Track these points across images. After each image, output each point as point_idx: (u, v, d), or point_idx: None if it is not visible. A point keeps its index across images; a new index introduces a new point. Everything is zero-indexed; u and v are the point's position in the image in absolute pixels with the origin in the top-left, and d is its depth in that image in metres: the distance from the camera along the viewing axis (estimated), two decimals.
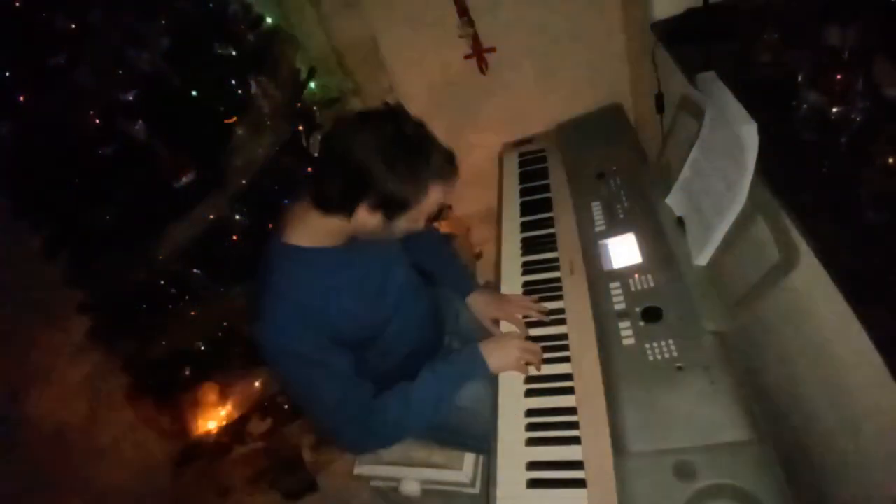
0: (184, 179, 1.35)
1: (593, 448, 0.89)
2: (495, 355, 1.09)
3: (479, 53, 1.87)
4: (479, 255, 2.27)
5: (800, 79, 0.88)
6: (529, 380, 1.09)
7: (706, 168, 1.01)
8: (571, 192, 1.38)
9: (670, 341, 0.93)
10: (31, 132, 1.24)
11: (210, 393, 1.63)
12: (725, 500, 0.74)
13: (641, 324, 0.99)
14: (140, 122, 1.27)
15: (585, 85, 1.86)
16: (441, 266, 1.33)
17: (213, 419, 1.64)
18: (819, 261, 0.74)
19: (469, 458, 1.22)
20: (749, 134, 0.85)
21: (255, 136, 1.44)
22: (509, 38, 1.86)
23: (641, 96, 1.80)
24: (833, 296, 0.71)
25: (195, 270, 1.47)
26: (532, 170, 1.58)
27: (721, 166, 0.95)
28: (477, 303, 1.29)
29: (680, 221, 1.10)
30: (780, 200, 0.83)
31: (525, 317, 1.21)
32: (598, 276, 1.12)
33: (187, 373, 1.59)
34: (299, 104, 1.68)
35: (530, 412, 1.03)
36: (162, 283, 1.46)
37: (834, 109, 0.83)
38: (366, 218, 0.88)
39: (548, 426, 1.00)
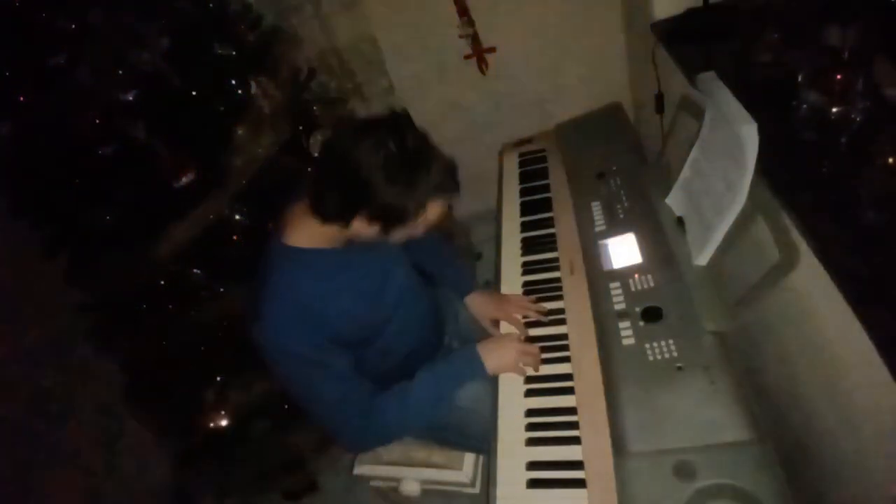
0: (184, 179, 1.35)
1: (593, 448, 0.89)
2: (493, 357, 1.08)
3: (479, 53, 1.87)
4: (479, 256, 2.27)
5: (800, 79, 0.88)
6: (529, 380, 1.09)
7: (706, 168, 1.01)
8: (571, 192, 1.38)
9: (670, 341, 0.93)
10: (31, 132, 1.24)
11: (210, 393, 1.63)
12: (725, 500, 0.74)
13: (641, 324, 0.99)
14: (140, 122, 1.27)
15: (585, 85, 1.86)
16: (440, 266, 1.33)
17: (213, 419, 1.64)
18: (819, 261, 0.74)
19: (469, 458, 1.22)
20: (749, 134, 0.85)
21: (255, 136, 1.44)
22: (509, 38, 1.86)
23: (641, 96, 1.80)
24: (833, 296, 0.71)
25: (195, 270, 1.47)
26: (532, 170, 1.58)
27: (721, 166, 0.95)
28: (476, 303, 1.29)
29: (680, 221, 1.10)
30: (780, 200, 0.83)
31: (524, 317, 1.21)
32: (598, 276, 1.12)
33: (187, 373, 1.59)
34: (299, 104, 1.68)
35: (530, 412, 1.03)
36: (162, 283, 1.46)
37: (834, 109, 0.83)
38: (363, 227, 0.87)
39: (548, 426, 1.00)
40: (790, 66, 0.92)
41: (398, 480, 1.26)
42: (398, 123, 0.86)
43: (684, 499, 0.76)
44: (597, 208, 1.27)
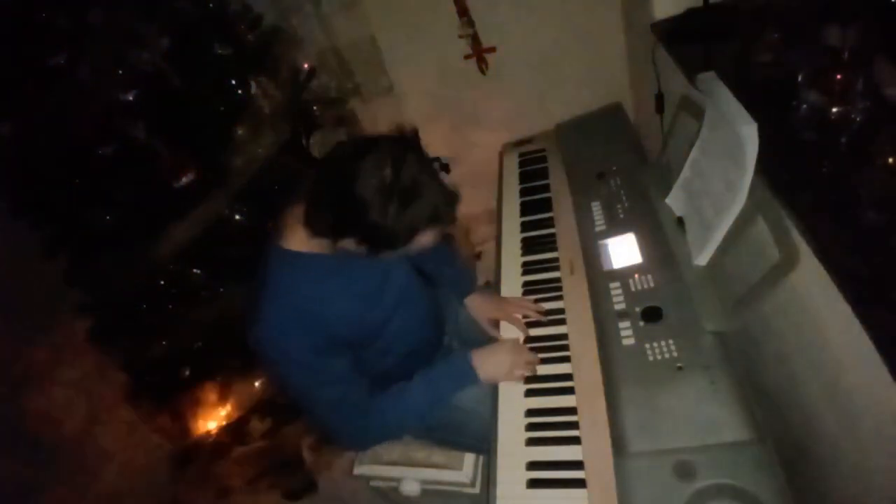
0: (184, 179, 1.35)
1: (593, 448, 0.89)
2: (486, 365, 1.08)
3: (478, 53, 1.87)
4: (479, 255, 2.27)
5: (800, 79, 0.88)
6: (529, 380, 1.09)
7: (706, 168, 1.01)
8: (571, 192, 1.38)
9: (670, 341, 0.93)
10: (31, 132, 1.24)
11: (210, 393, 1.63)
12: (725, 500, 0.74)
13: (641, 324, 0.99)
14: (140, 122, 1.27)
15: (585, 85, 1.86)
16: (440, 268, 1.33)
17: (213, 419, 1.64)
18: (819, 261, 0.74)
19: (469, 458, 1.22)
20: (749, 134, 0.85)
21: (255, 136, 1.44)
22: (509, 38, 1.86)
23: (641, 96, 1.80)
24: (833, 296, 0.71)
25: (195, 270, 1.47)
26: (532, 170, 1.58)
27: (721, 166, 0.95)
28: (476, 304, 1.29)
29: (680, 221, 1.10)
30: (780, 200, 0.83)
31: (524, 317, 1.21)
32: (598, 276, 1.12)
33: (187, 373, 1.59)
34: (299, 104, 1.68)
35: (530, 412, 1.03)
36: (162, 283, 1.46)
37: (834, 109, 0.83)
38: (351, 245, 0.86)
39: (548, 426, 1.00)
40: (790, 66, 0.92)
41: (398, 480, 1.26)
42: (401, 146, 0.83)
43: (684, 499, 0.76)
44: (597, 208, 1.27)
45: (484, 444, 1.05)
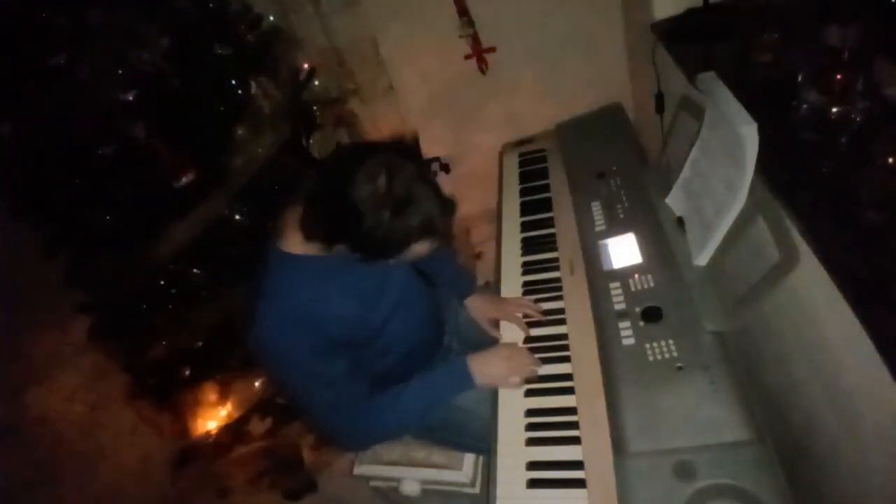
0: (184, 179, 1.35)
1: (593, 448, 0.89)
2: (483, 370, 1.07)
3: (478, 53, 1.87)
4: (479, 255, 2.27)
5: (800, 79, 0.88)
6: (529, 379, 1.09)
7: (706, 168, 1.01)
8: (571, 192, 1.38)
9: (670, 341, 0.93)
10: (31, 132, 1.24)
11: (210, 393, 1.63)
12: (725, 500, 0.74)
13: (641, 324, 0.99)
14: (140, 122, 1.27)
15: (585, 85, 1.86)
16: (440, 268, 1.33)
17: (213, 419, 1.64)
18: (819, 261, 0.74)
19: (469, 458, 1.22)
20: (749, 134, 0.85)
21: (255, 136, 1.44)
22: (509, 38, 1.86)
23: (641, 96, 1.80)
24: (833, 296, 0.71)
25: (195, 270, 1.47)
26: (532, 170, 1.58)
27: (721, 166, 0.95)
28: (475, 305, 1.30)
29: (680, 221, 1.10)
30: (780, 200, 0.83)
31: (525, 316, 1.21)
32: (598, 276, 1.12)
33: (187, 373, 1.59)
34: (299, 104, 1.68)
35: (530, 412, 1.04)
36: (162, 283, 1.46)
37: (834, 109, 0.83)
38: (344, 251, 0.86)
39: (548, 426, 1.00)
40: (790, 66, 0.92)
41: (398, 480, 1.26)
42: (399, 154, 0.83)
43: (684, 499, 0.76)
44: (597, 208, 1.27)
45: (484, 444, 1.05)
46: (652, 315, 0.99)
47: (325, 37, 1.88)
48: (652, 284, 1.04)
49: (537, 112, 1.82)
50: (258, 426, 1.68)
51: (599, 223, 1.23)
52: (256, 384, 1.64)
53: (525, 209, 1.47)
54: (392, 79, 1.97)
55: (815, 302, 0.82)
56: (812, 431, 0.92)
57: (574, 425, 0.95)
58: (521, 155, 1.65)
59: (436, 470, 1.23)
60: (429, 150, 2.01)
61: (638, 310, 1.01)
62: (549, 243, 1.33)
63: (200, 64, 1.39)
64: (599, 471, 0.86)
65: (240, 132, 1.43)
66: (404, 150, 0.87)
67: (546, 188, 1.48)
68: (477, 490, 1.23)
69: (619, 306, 1.03)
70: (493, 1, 1.78)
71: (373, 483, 1.36)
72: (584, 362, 1.02)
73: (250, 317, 0.91)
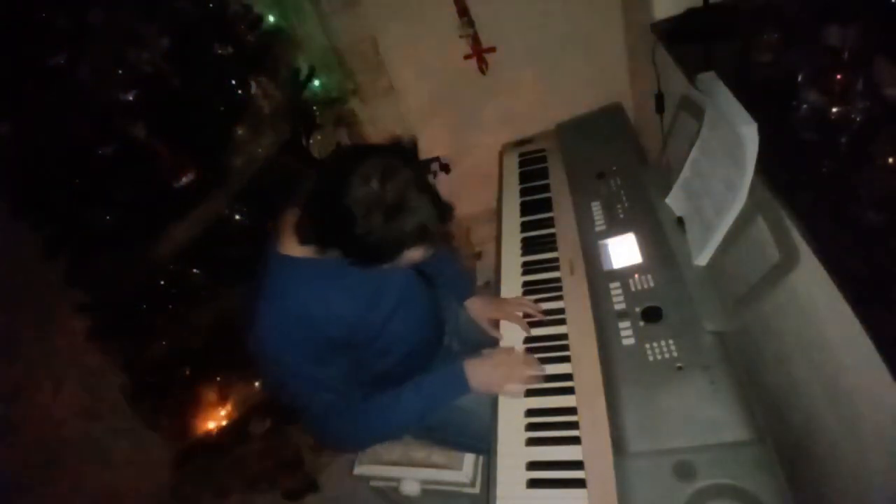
0: (184, 179, 1.35)
1: (593, 448, 0.89)
2: (479, 376, 1.06)
3: (478, 53, 1.87)
4: (479, 255, 2.27)
5: (800, 79, 0.88)
6: None
7: (706, 168, 1.01)
8: (571, 192, 1.38)
9: (670, 341, 0.93)
10: (31, 132, 1.24)
11: (210, 393, 1.63)
12: (725, 500, 0.74)
13: (641, 324, 0.99)
14: (140, 122, 1.27)
15: (585, 85, 1.86)
16: (439, 269, 1.33)
17: (213, 419, 1.64)
18: (819, 261, 0.74)
19: (469, 458, 1.22)
20: (749, 134, 0.85)
21: (255, 136, 1.44)
22: (509, 38, 1.86)
23: (641, 96, 1.80)
24: (833, 296, 0.71)
25: (195, 270, 1.47)
26: (532, 170, 1.58)
27: (721, 166, 0.95)
28: (475, 306, 1.29)
29: (680, 221, 1.10)
30: (780, 200, 0.83)
31: (525, 315, 1.21)
32: (598, 276, 1.12)
33: (187, 373, 1.59)
34: (299, 104, 1.68)
35: (530, 412, 1.03)
36: (162, 283, 1.46)
37: (834, 109, 0.83)
38: (338, 255, 0.86)
39: (548, 426, 1.00)
40: (790, 66, 0.92)
41: (398, 480, 1.26)
42: (395, 158, 0.82)
43: (684, 499, 0.76)
44: (597, 208, 1.27)
45: (484, 444, 1.05)
46: (652, 315, 0.99)
47: (325, 37, 1.88)
48: (652, 284, 1.04)
49: (537, 112, 1.81)
50: (258, 426, 1.68)
51: (599, 223, 1.23)
52: (256, 384, 1.64)
53: (525, 209, 1.47)
54: (392, 79, 1.97)
55: (815, 302, 0.82)
56: (812, 431, 0.92)
57: (574, 425, 0.95)
58: (521, 155, 1.65)
59: (436, 470, 1.23)
60: (429, 149, 2.01)
61: (638, 310, 1.01)
62: (549, 243, 1.33)
63: (200, 64, 1.40)
64: (599, 471, 0.85)
65: (240, 132, 1.43)
66: (402, 153, 0.85)
67: (546, 188, 1.48)
68: (477, 490, 1.23)
69: (619, 306, 1.03)
70: (493, 1, 1.78)
71: (373, 483, 1.36)
72: (584, 362, 1.02)
73: (250, 317, 0.91)
